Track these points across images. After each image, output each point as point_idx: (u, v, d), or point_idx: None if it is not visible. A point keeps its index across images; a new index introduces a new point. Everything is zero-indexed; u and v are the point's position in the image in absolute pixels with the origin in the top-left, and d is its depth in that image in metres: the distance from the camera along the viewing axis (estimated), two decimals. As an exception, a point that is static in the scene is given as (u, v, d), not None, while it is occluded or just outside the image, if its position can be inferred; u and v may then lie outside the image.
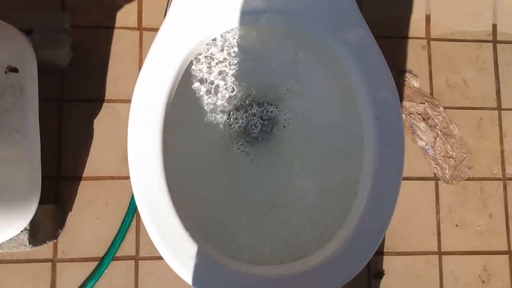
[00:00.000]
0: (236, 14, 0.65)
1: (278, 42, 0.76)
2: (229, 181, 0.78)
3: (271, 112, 0.85)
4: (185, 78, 0.65)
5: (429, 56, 1.09)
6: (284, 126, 0.84)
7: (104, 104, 0.98)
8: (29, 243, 0.81)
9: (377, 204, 0.60)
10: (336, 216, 0.64)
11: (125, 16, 1.01)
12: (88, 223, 0.95)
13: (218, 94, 0.78)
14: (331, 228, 0.62)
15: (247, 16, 0.65)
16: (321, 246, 0.60)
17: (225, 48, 0.74)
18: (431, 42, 1.10)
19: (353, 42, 0.63)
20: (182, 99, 0.66)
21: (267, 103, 0.86)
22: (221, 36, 0.71)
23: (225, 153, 0.82)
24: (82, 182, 0.95)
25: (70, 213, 0.94)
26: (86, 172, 0.96)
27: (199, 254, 0.56)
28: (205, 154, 0.78)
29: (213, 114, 0.79)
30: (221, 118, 0.80)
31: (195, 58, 0.71)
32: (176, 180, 0.60)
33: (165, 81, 0.61)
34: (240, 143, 0.83)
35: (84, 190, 0.95)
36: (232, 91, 0.79)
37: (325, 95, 0.76)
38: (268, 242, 0.68)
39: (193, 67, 0.73)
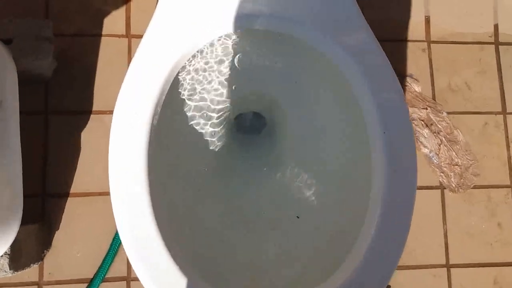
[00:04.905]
0: (228, 19, 0.61)
1: (273, 49, 0.71)
2: (225, 199, 0.72)
3: (267, 124, 0.80)
4: (173, 88, 0.60)
5: (430, 60, 1.07)
6: (282, 140, 0.79)
7: (92, 116, 0.95)
8: (10, 269, 0.76)
9: (388, 230, 0.54)
10: (341, 245, 0.58)
11: (112, 22, 0.99)
12: (76, 242, 0.91)
13: (210, 105, 0.74)
14: (336, 258, 0.56)
15: (240, 21, 0.61)
16: (326, 276, 0.54)
17: (217, 55, 0.70)
18: (431, 44, 1.08)
19: (354, 46, 0.58)
20: (170, 111, 0.61)
21: (262, 114, 0.81)
22: (212, 42, 0.67)
23: (219, 169, 0.76)
24: (69, 199, 0.92)
25: (57, 232, 0.90)
26: (74, 188, 0.92)
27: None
28: (196, 170, 0.72)
29: (206, 127, 0.74)
30: (214, 131, 0.75)
31: (183, 67, 0.67)
32: (164, 201, 0.54)
33: (150, 93, 0.56)
34: (235, 158, 0.78)
35: (72, 208, 0.92)
36: (225, 102, 0.75)
37: (326, 106, 0.71)
38: (268, 270, 0.62)
39: (182, 75, 0.69)
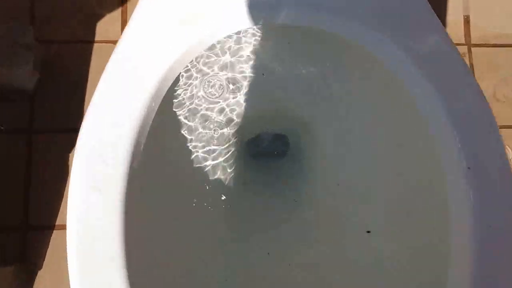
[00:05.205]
0: (243, 11, 0.50)
1: (302, 52, 0.60)
2: (237, 253, 0.59)
3: (291, 156, 0.68)
4: (163, 110, 0.48)
5: (471, 65, 1.00)
6: (311, 170, 0.67)
7: (82, 134, 0.87)
8: (-26, 327, 0.65)
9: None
10: None
11: (107, 27, 0.93)
12: (62, 282, 0.82)
13: (214, 132, 0.63)
14: None
15: (259, 14, 0.50)
16: None
17: (225, 61, 0.60)
18: (472, 48, 1.01)
19: (421, 49, 0.45)
20: (158, 145, 0.49)
21: (285, 143, 0.70)
22: (219, 43, 0.56)
23: (229, 209, 0.64)
24: (55, 232, 0.84)
25: (39, 272, 0.82)
26: (60, 219, 0.85)
27: None
28: (195, 234, 0.59)
29: (206, 165, 0.63)
30: (217, 171, 0.64)
31: (178, 78, 0.56)
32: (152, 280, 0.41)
33: (130, 117, 0.44)
34: (248, 209, 0.66)
35: (58, 242, 0.84)
36: (237, 121, 0.63)
37: (375, 131, 0.57)
38: None
39: (176, 91, 0.58)
